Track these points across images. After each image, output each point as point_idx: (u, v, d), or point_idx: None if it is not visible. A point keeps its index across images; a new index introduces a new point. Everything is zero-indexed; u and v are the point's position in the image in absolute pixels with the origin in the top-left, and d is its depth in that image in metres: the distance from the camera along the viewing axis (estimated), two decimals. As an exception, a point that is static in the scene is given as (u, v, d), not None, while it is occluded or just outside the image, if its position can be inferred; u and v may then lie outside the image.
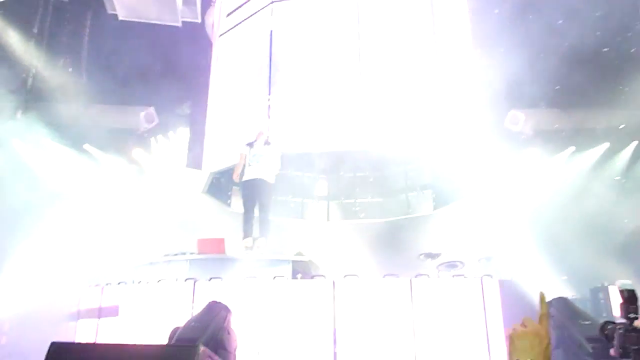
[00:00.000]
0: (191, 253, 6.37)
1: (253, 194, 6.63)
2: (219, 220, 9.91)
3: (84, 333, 5.67)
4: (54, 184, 9.97)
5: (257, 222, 6.70)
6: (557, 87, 9.54)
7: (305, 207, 10.78)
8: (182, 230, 9.47)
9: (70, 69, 10.13)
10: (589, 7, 8.96)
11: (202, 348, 2.55)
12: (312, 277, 5.51)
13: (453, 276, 5.69)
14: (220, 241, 6.48)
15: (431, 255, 7.41)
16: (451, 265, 7.25)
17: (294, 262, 6.33)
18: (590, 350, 3.60)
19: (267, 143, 6.77)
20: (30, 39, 9.62)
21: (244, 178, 6.68)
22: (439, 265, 7.24)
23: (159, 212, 10.35)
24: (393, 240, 10.50)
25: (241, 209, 9.99)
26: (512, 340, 1.27)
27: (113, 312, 5.50)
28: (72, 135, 10.56)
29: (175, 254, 6.44)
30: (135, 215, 9.93)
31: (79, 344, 2.69)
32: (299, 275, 5.45)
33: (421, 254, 7.51)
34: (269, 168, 6.64)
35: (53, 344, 2.58)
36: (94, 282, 6.16)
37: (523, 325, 1.28)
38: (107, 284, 5.80)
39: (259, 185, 6.58)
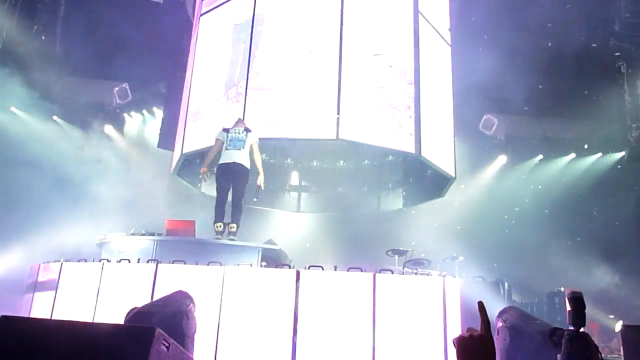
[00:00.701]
0: (159, 234, 6.29)
1: (228, 178, 6.52)
2: (187, 202, 9.82)
3: (39, 309, 5.54)
4: (20, 153, 9.68)
5: (229, 207, 6.63)
6: (530, 96, 9.75)
7: (276, 197, 10.77)
8: (149, 210, 9.36)
9: (43, 37, 9.79)
10: (564, 19, 9.18)
11: (157, 331, 2.52)
12: (276, 266, 5.51)
13: (417, 274, 5.78)
14: (190, 223, 6.40)
15: (399, 252, 7.53)
16: (418, 262, 7.39)
17: (263, 249, 6.32)
18: (541, 340, 3.81)
19: (247, 130, 6.67)
20: (2, 2, 9.26)
21: (220, 161, 6.55)
22: (406, 262, 7.36)
23: (127, 190, 10.20)
24: (361, 234, 10.63)
25: (212, 192, 9.95)
26: (460, 345, 1.36)
27: (71, 289, 5.39)
28: (41, 105, 10.25)
29: (143, 234, 6.34)
30: (103, 191, 9.75)
31: (31, 318, 2.62)
32: (263, 263, 5.45)
33: (389, 250, 7.61)
34: (246, 153, 6.54)
35: (3, 318, 2.52)
36: (55, 257, 6.01)
37: (469, 332, 1.38)
38: (66, 260, 5.66)
39: (235, 169, 6.46)
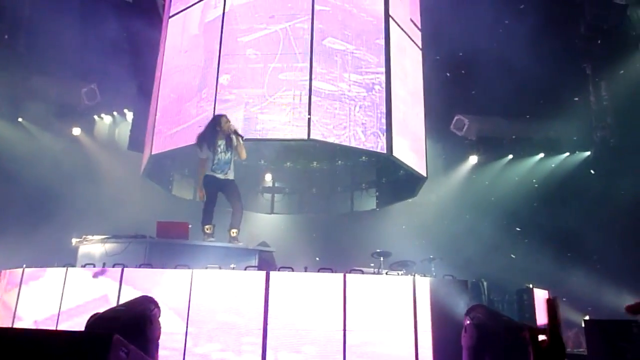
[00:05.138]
0: (150, 237, 6.04)
1: (216, 188, 6.40)
2: (159, 204, 9.65)
3: (0, 318, 5.35)
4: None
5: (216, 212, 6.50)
6: (500, 96, 9.90)
7: (249, 199, 10.68)
8: (123, 214, 9.14)
9: (6, 36, 9.51)
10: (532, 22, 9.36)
11: (115, 337, 2.45)
12: (278, 269, 5.39)
13: (386, 273, 5.80)
14: (184, 225, 6.21)
15: (384, 254, 7.54)
16: (403, 264, 7.41)
17: (260, 252, 6.23)
18: (509, 337, 3.90)
19: (228, 145, 6.35)
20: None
21: (206, 173, 6.35)
22: (392, 264, 7.37)
23: (99, 194, 9.97)
24: (336, 235, 10.63)
25: (184, 195, 9.84)
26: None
27: (33, 296, 5.22)
28: (5, 107, 9.96)
29: (134, 236, 6.05)
30: (74, 195, 9.52)
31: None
32: (232, 266, 5.38)
33: (374, 252, 7.62)
34: (232, 169, 6.43)
35: (-48, 328, 2.42)
36: (27, 264, 5.72)
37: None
38: (26, 267, 5.45)
39: (225, 184, 6.38)
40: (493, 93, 10.18)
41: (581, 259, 9.33)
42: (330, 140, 7.35)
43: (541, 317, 6.91)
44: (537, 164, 11.29)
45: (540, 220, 10.10)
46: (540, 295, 7.02)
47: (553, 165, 11.19)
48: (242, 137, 6.45)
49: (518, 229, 10.36)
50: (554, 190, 10.55)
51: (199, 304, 4.86)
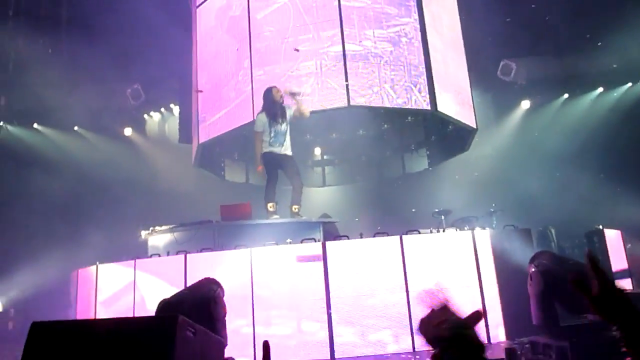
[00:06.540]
0: (216, 221, 6.21)
1: (276, 165, 6.54)
2: (215, 191, 9.90)
3: (82, 312, 5.75)
4: (48, 166, 9.99)
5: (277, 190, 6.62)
6: (546, 34, 9.30)
7: (300, 174, 10.74)
8: (182, 205, 9.49)
9: (50, 50, 9.94)
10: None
11: (181, 318, 2.55)
12: (333, 238, 5.50)
13: (444, 230, 5.70)
14: (246, 206, 6.33)
15: (444, 212, 7.39)
16: (466, 220, 7.23)
17: (323, 224, 6.33)
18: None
19: (283, 114, 6.45)
20: (6, 22, 9.43)
21: (264, 150, 6.47)
22: (456, 221, 7.21)
23: (157, 188, 10.38)
24: (392, 200, 10.51)
25: (235, 179, 10.04)
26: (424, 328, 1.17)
27: (108, 289, 5.55)
28: (59, 118, 10.48)
29: (200, 222, 6.23)
30: (134, 191, 9.97)
31: (60, 322, 2.69)
32: (288, 240, 5.46)
33: (434, 212, 7.48)
34: (288, 141, 6.54)
35: (34, 325, 2.58)
36: (103, 260, 6.05)
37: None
38: (100, 263, 5.80)
39: (284, 160, 6.51)
40: (538, 30, 9.59)
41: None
42: (360, 101, 7.15)
43: (615, 259, 6.59)
44: (597, 100, 10.61)
45: (609, 157, 9.48)
46: (612, 236, 6.67)
47: (615, 98, 10.45)
48: (299, 94, 6.47)
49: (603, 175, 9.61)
50: (619, 124, 9.87)
51: (260, 280, 4.98)
